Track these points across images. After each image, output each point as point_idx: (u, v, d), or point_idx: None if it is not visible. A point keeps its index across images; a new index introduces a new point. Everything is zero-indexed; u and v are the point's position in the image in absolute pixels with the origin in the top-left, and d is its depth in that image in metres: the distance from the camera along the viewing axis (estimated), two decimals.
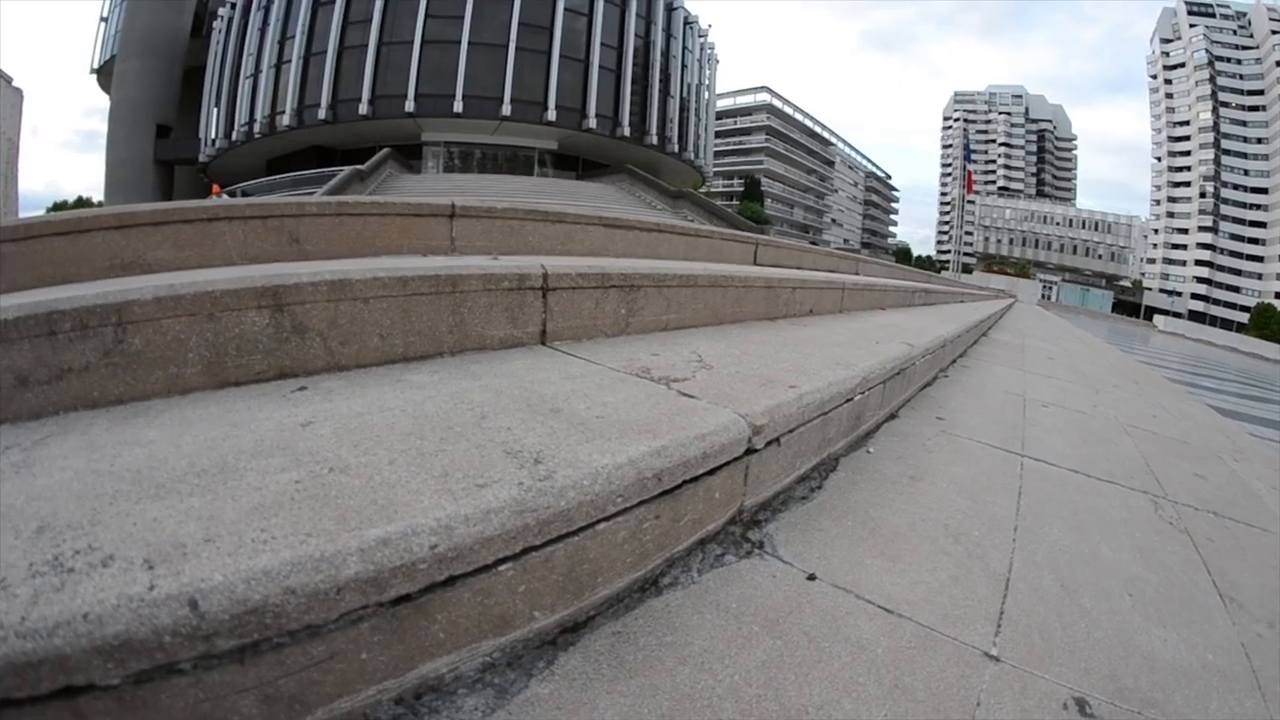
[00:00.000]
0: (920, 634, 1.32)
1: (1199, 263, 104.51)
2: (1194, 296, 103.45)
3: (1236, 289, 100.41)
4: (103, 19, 58.20)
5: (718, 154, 75.07)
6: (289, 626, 0.71)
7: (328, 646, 0.75)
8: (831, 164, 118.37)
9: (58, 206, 76.78)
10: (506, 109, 39.32)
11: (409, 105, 37.63)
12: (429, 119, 38.46)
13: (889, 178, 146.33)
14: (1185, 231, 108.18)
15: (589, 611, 1.11)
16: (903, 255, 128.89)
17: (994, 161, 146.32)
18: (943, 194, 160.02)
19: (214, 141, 45.07)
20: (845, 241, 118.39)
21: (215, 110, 46.06)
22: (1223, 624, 1.63)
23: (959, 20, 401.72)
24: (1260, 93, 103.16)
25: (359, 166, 26.17)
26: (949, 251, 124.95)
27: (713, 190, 75.46)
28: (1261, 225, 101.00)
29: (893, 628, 1.33)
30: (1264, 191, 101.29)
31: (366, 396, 1.41)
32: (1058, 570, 1.73)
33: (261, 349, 1.47)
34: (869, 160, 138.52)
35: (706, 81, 56.74)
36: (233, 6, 46.19)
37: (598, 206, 19.98)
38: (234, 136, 42.46)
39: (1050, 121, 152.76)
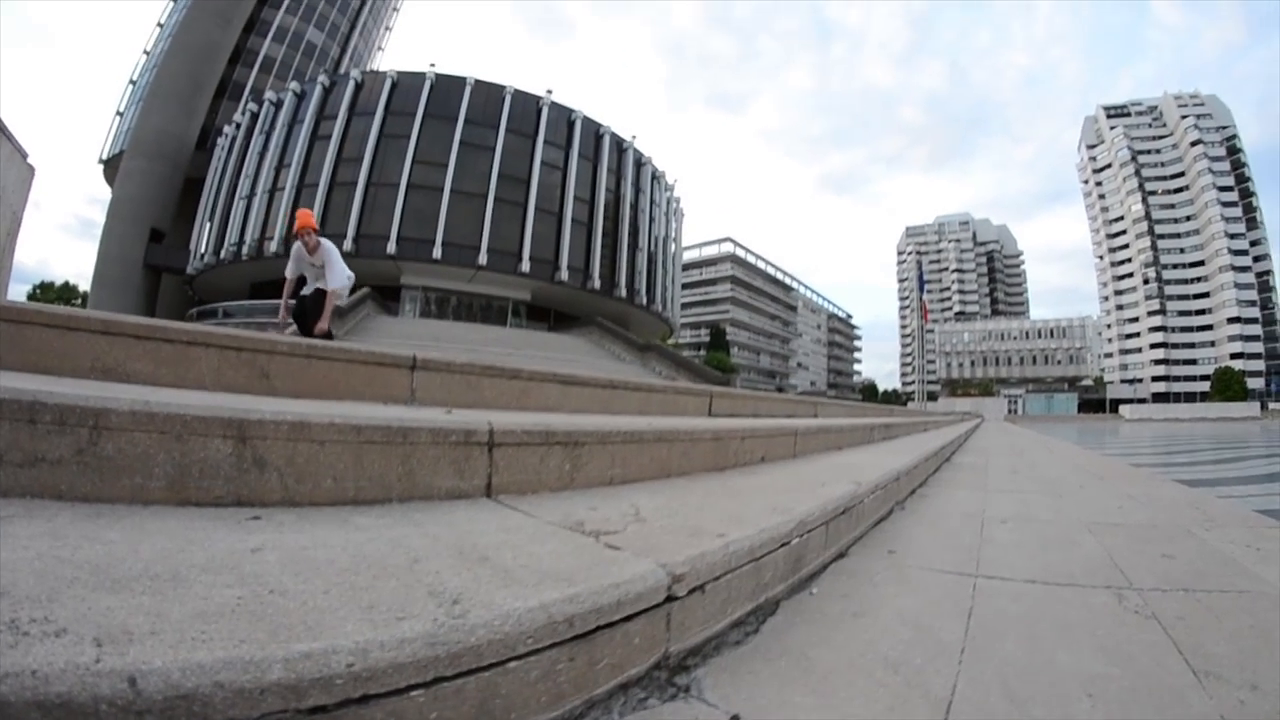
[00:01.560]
0: None
1: (1154, 345, 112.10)
2: (1155, 379, 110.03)
3: (1194, 361, 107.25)
4: (118, 113, 60.97)
5: (685, 305, 78.03)
6: (214, 718, 0.79)
7: None
8: (794, 309, 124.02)
9: (44, 286, 76.71)
10: (483, 258, 40.76)
11: (391, 247, 38.90)
12: (409, 262, 39.60)
13: (849, 317, 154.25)
14: (1136, 320, 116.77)
15: None
16: (869, 391, 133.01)
17: (948, 289, 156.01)
18: (903, 327, 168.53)
19: (203, 256, 45.78)
20: (812, 384, 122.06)
21: (208, 225, 47.18)
22: (1198, 702, 1.60)
23: (906, 157, 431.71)
24: (1181, 174, 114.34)
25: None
26: (913, 382, 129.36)
27: (680, 341, 77.48)
28: (1205, 295, 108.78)
29: None
30: (1201, 264, 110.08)
31: (314, 532, 1.50)
32: (1006, 685, 1.68)
33: (223, 476, 1.57)
34: (830, 302, 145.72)
35: (673, 234, 59.68)
36: (237, 126, 48.29)
37: (552, 361, 20.28)
38: (222, 254, 43.22)
39: (997, 242, 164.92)
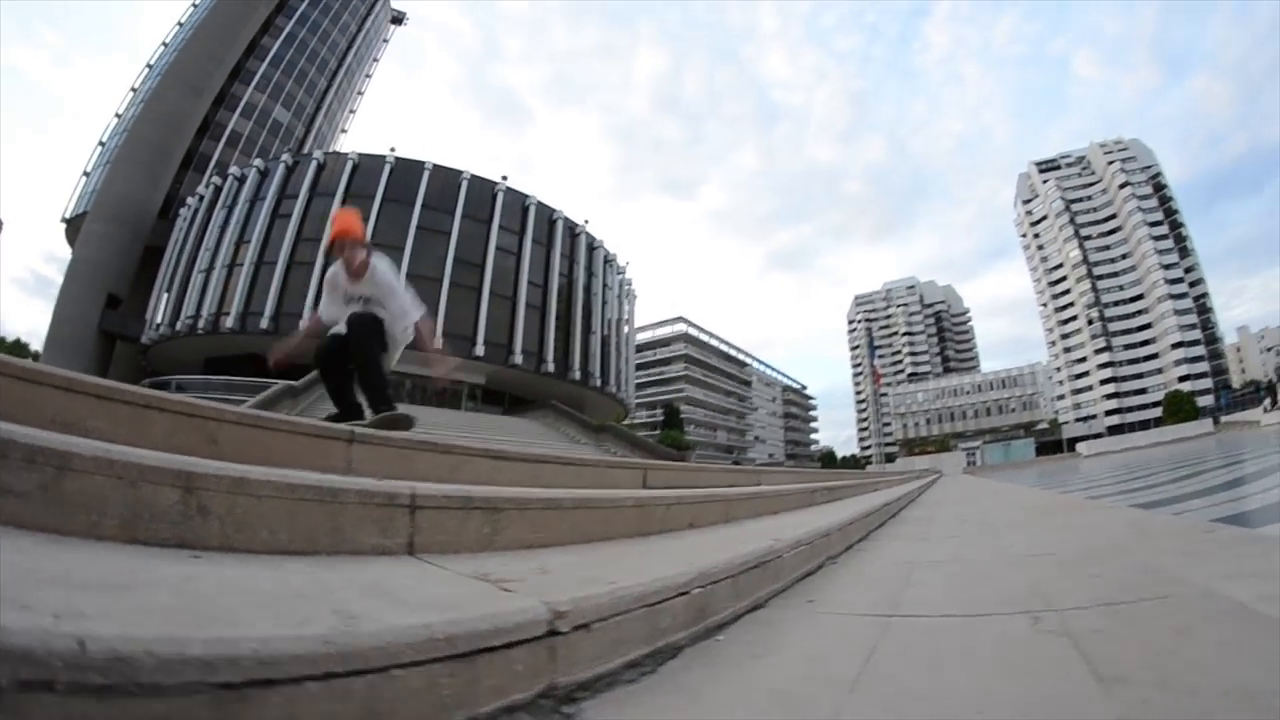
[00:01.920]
0: None
1: (1104, 381, 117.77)
2: (1108, 413, 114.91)
3: (1144, 390, 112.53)
4: (85, 173, 61.07)
5: (639, 385, 79.05)
6: (140, 679, 1.00)
7: (166, 707, 1.04)
8: (749, 384, 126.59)
9: None
10: (437, 342, 40.65)
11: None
12: None
13: (804, 389, 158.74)
14: (1084, 360, 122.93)
15: None
16: (827, 459, 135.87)
17: (900, 352, 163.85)
18: (857, 393, 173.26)
19: (158, 326, 45.35)
20: (770, 455, 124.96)
21: (165, 295, 47.00)
22: (1097, 706, 1.57)
23: (851, 228, 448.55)
24: (1113, 216, 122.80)
25: (292, 383, 26.28)
26: (870, 446, 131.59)
27: (636, 422, 77.82)
28: (1147, 326, 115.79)
29: None
30: (1140, 298, 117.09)
31: (247, 570, 1.72)
32: (893, 707, 1.68)
33: (169, 520, 1.79)
34: (784, 375, 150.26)
35: (626, 316, 61.12)
36: (200, 198, 48.80)
37: (486, 439, 20.34)
38: (178, 326, 43.00)
39: (944, 302, 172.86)
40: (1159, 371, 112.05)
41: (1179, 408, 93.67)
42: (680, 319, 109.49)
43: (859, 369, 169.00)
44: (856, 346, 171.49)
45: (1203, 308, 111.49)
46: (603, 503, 3.48)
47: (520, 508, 2.89)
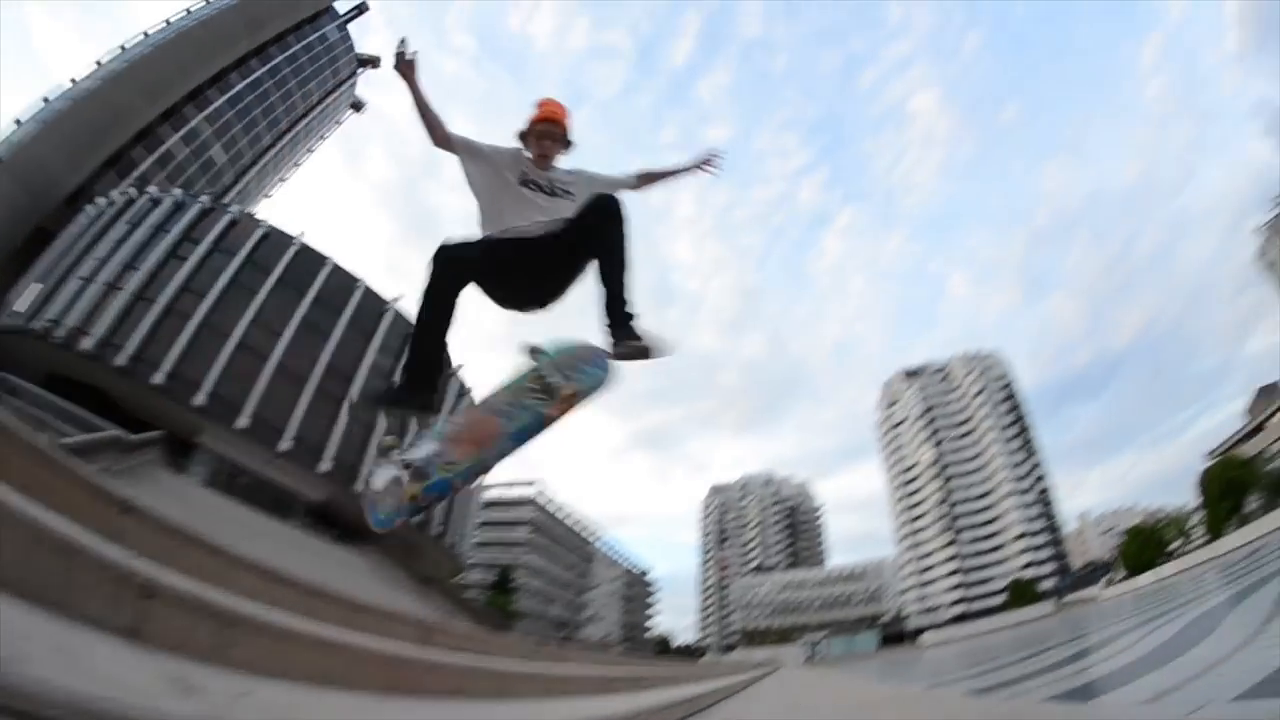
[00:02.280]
0: None
1: (950, 574, 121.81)
2: (953, 603, 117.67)
3: (988, 580, 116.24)
4: (16, 121, 56.96)
5: (481, 544, 76.15)
6: None
7: None
8: (592, 561, 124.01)
9: None
10: (286, 444, 39.01)
11: (200, 398, 36.60)
12: (212, 423, 37.09)
13: (645, 574, 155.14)
14: (930, 554, 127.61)
15: None
16: (662, 645, 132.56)
17: (750, 543, 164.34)
18: (704, 581, 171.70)
19: (16, 314, 40.88)
20: (606, 635, 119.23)
21: (36, 286, 42.70)
22: None
23: (718, 420, 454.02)
24: (968, 419, 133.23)
25: (123, 435, 23.94)
26: (710, 635, 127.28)
27: (468, 582, 74.16)
28: (993, 520, 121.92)
29: None
30: (988, 494, 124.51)
31: None
32: None
33: None
34: (629, 556, 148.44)
35: None
36: (110, 203, 45.87)
37: (318, 572, 18.98)
38: (34, 324, 38.83)
39: (798, 498, 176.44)
40: (1003, 561, 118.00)
41: (1022, 594, 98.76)
42: (531, 484, 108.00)
43: (708, 557, 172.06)
44: (708, 533, 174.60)
45: (1044, 500, 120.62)
46: (348, 647, 3.38)
47: (258, 631, 2.83)
